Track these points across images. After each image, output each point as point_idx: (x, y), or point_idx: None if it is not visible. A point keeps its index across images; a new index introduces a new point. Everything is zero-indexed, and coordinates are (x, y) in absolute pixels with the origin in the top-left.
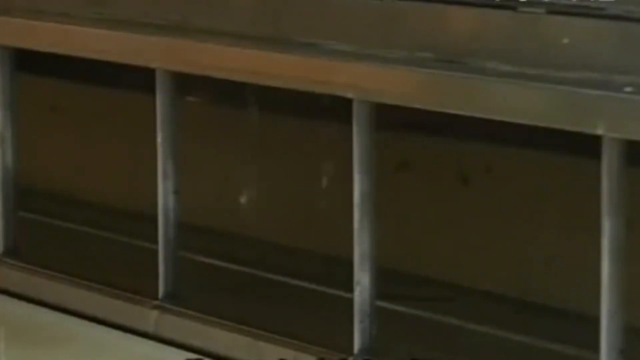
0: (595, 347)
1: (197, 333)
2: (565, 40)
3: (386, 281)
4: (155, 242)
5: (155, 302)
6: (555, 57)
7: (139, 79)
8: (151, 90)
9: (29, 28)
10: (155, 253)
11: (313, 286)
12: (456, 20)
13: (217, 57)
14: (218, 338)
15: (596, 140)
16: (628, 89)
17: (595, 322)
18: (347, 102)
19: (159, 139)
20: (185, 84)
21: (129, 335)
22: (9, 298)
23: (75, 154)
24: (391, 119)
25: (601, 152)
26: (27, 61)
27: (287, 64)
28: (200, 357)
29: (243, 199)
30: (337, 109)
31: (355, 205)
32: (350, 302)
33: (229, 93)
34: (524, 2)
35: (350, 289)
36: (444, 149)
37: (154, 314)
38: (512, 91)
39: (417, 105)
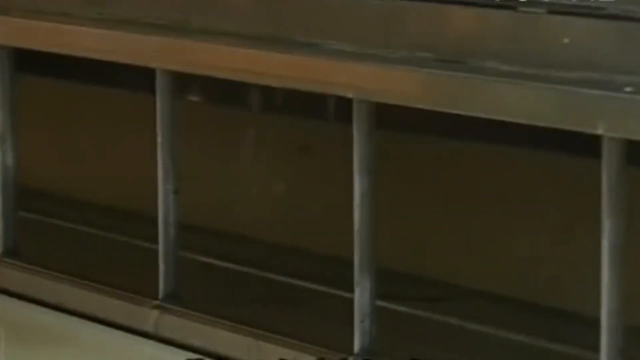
0: (595, 347)
1: (197, 333)
2: (565, 40)
3: (386, 281)
4: (155, 242)
5: (155, 302)
6: (555, 57)
7: (138, 79)
8: (151, 90)
9: (28, 28)
10: (155, 253)
11: (313, 286)
12: (456, 20)
13: (217, 57)
14: (218, 338)
15: (596, 140)
16: (628, 89)
17: (595, 322)
18: (350, 103)
19: (159, 139)
20: (185, 84)
21: (129, 335)
22: (9, 298)
23: (75, 154)
24: (392, 119)
25: (601, 152)
26: (27, 61)
27: (287, 64)
28: (200, 357)
29: (243, 199)
30: (339, 109)
31: (355, 205)
32: (350, 302)
33: (228, 93)
34: (524, 2)
35: (350, 289)
36: (442, 150)
37: (154, 314)
38: (512, 91)
39: (417, 105)
